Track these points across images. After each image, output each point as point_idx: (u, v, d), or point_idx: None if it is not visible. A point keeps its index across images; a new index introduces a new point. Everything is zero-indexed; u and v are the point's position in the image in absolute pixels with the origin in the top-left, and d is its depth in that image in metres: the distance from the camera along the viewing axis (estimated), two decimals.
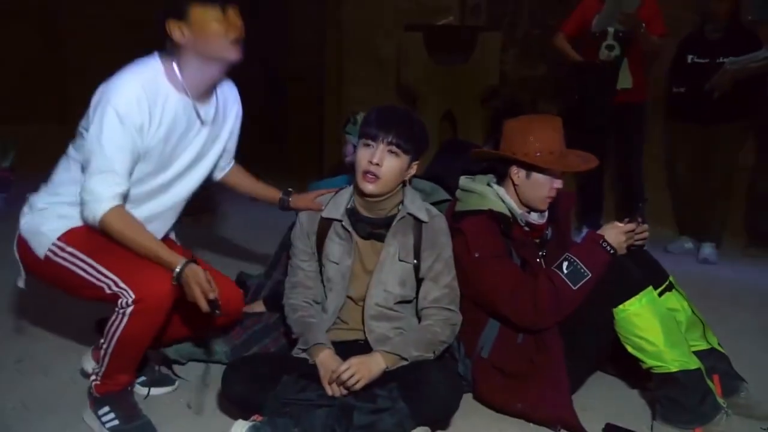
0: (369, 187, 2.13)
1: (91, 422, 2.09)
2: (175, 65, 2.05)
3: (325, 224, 2.25)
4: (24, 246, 2.11)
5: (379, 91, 5.82)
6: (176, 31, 2.00)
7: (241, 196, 2.56)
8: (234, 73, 2.19)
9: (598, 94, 4.34)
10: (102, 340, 1.99)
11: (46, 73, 6.70)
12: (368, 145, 2.12)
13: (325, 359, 2.08)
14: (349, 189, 2.26)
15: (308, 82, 6.98)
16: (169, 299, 1.96)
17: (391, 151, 2.11)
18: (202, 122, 2.15)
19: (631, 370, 2.32)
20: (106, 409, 2.06)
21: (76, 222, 2.07)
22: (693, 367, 2.12)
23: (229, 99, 2.28)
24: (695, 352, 2.21)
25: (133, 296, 1.90)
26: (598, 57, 4.31)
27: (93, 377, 2.07)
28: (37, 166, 5.64)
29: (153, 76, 2.03)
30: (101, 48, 6.01)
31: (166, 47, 2.06)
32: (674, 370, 2.11)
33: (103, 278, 1.96)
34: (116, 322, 1.94)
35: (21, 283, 2.20)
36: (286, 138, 7.61)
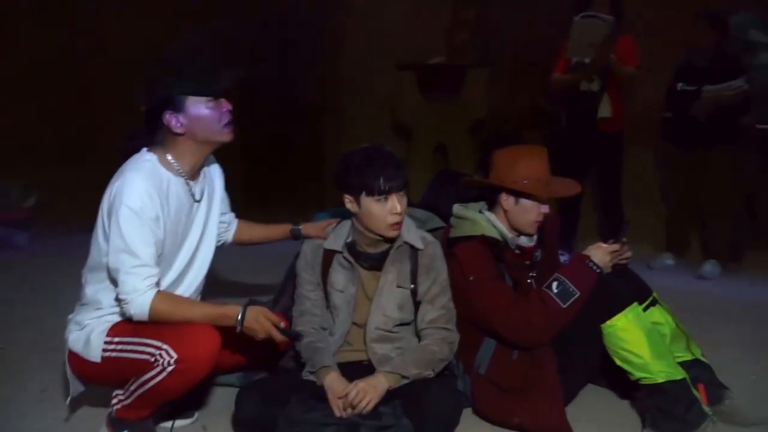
0: (396, 233, 2.15)
1: None
2: (168, 154, 2.06)
3: (329, 254, 2.25)
4: (77, 359, 2.08)
5: (375, 127, 5.86)
6: (173, 121, 2.01)
7: (256, 246, 2.55)
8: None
9: (580, 123, 4.38)
10: (134, 379, 1.96)
11: (71, 118, 6.70)
12: (385, 200, 2.10)
13: (332, 381, 2.07)
14: (348, 222, 2.25)
15: (309, 119, 7.04)
16: (211, 362, 1.95)
17: (402, 194, 2.13)
18: (196, 200, 2.15)
19: (620, 382, 2.31)
20: None
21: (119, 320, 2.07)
22: (679, 377, 2.11)
23: (212, 169, 2.29)
24: (680, 363, 2.21)
25: (175, 356, 1.88)
26: (579, 89, 4.35)
27: (115, 401, 2.04)
28: (56, 206, 5.67)
29: (152, 168, 2.02)
30: (126, 95, 6.04)
31: (153, 137, 2.07)
32: (661, 380, 2.10)
33: (149, 349, 1.93)
34: (153, 374, 1.91)
35: (68, 401, 2.19)
36: (289, 171, 7.65)
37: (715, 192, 4.41)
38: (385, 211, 2.10)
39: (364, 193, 2.10)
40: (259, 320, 1.95)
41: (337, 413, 2.01)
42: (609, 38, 4.14)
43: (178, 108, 2.00)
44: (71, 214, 5.25)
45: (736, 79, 4.20)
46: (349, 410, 2.00)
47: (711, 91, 4.21)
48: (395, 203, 2.10)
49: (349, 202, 2.16)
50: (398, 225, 2.13)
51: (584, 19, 4.15)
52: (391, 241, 2.18)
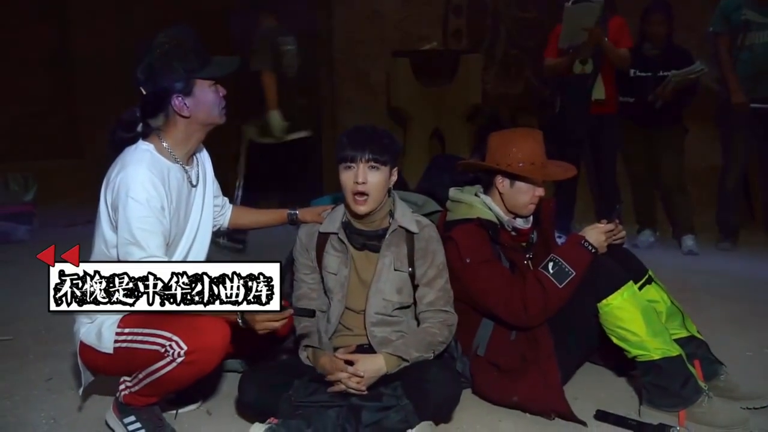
0: (361, 209, 2.13)
1: (115, 426, 2.09)
2: (164, 142, 2.07)
3: (323, 238, 2.26)
4: (89, 351, 2.08)
5: (370, 113, 5.85)
6: (180, 104, 2.03)
7: (256, 234, 2.55)
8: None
9: (574, 105, 4.40)
10: (141, 369, 1.97)
11: (61, 112, 6.74)
12: (349, 167, 2.11)
13: (326, 360, 2.10)
14: (343, 206, 2.26)
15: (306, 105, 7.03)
16: (221, 354, 1.96)
17: (371, 167, 2.10)
18: (193, 185, 2.17)
19: (617, 360, 2.34)
20: (132, 418, 2.06)
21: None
22: (674, 354, 2.13)
23: (202, 154, 2.29)
24: (676, 340, 2.22)
25: (185, 347, 1.89)
26: (573, 71, 4.36)
27: (122, 386, 2.06)
28: (56, 199, 5.68)
29: (151, 158, 2.03)
30: (111, 88, 6.09)
31: (149, 122, 2.08)
32: (657, 357, 2.12)
33: (159, 340, 1.93)
34: (162, 364, 1.92)
35: (81, 390, 2.19)
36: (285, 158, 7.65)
37: (668, 168, 4.61)
38: (350, 179, 2.11)
39: (338, 162, 2.13)
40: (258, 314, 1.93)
41: (337, 384, 2.04)
42: (600, 21, 4.18)
43: (186, 91, 2.02)
44: (70, 206, 5.27)
45: (687, 65, 4.38)
46: (347, 374, 2.03)
47: (678, 75, 4.36)
48: (359, 172, 2.09)
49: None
50: (362, 198, 2.11)
51: (575, 5, 4.18)
52: (365, 216, 2.16)
